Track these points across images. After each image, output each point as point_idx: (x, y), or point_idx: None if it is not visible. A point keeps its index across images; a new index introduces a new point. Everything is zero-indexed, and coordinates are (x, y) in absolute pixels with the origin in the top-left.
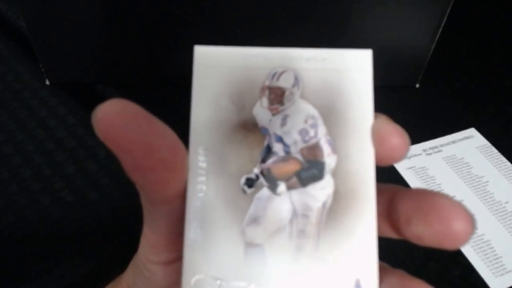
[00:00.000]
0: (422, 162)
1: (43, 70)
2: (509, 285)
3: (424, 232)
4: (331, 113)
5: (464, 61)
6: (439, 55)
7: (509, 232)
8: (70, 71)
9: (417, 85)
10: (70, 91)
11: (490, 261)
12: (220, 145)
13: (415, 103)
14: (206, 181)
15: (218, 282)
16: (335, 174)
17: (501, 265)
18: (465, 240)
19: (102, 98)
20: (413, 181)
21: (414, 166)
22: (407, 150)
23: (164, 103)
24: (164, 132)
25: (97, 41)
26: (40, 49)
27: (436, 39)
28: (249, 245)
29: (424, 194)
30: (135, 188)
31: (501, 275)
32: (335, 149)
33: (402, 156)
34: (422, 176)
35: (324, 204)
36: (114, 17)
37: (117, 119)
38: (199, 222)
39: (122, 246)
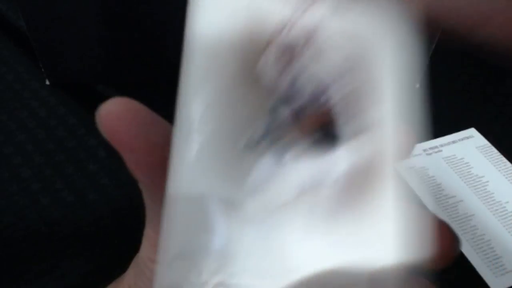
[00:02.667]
0: (422, 162)
1: (43, 70)
2: (509, 285)
3: None
4: (353, 74)
5: (464, 61)
6: (439, 55)
7: (509, 232)
8: (70, 71)
9: (417, 85)
10: (70, 91)
11: (490, 261)
12: (216, 101)
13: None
14: (198, 142)
15: (193, 260)
16: (353, 146)
17: (501, 265)
18: (448, 262)
19: (102, 98)
20: (413, 181)
21: (414, 166)
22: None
23: (164, 103)
24: (167, 130)
25: (97, 41)
26: (40, 49)
27: (436, 39)
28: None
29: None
30: (135, 188)
31: (501, 275)
32: (357, 114)
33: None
34: (422, 176)
35: (338, 179)
36: (114, 18)
37: (121, 117)
38: (186, 190)
39: (122, 247)
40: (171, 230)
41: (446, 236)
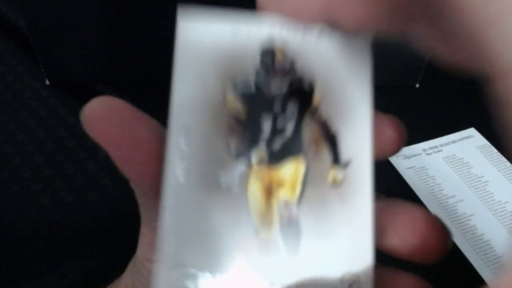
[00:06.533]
0: (422, 162)
1: (43, 70)
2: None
3: (398, 245)
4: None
5: None
6: None
7: (509, 232)
8: (70, 71)
9: (417, 85)
10: (70, 91)
11: (490, 261)
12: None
13: (415, 103)
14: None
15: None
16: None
17: (501, 265)
18: (440, 256)
19: None
20: (413, 181)
21: (414, 166)
22: (403, 141)
23: (164, 103)
24: (151, 124)
25: (97, 41)
26: (40, 49)
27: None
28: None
29: (400, 206)
30: None
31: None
32: None
33: (397, 148)
34: (422, 176)
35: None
36: (114, 18)
37: (104, 114)
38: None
39: (122, 246)
40: (168, 240)
41: (436, 230)
